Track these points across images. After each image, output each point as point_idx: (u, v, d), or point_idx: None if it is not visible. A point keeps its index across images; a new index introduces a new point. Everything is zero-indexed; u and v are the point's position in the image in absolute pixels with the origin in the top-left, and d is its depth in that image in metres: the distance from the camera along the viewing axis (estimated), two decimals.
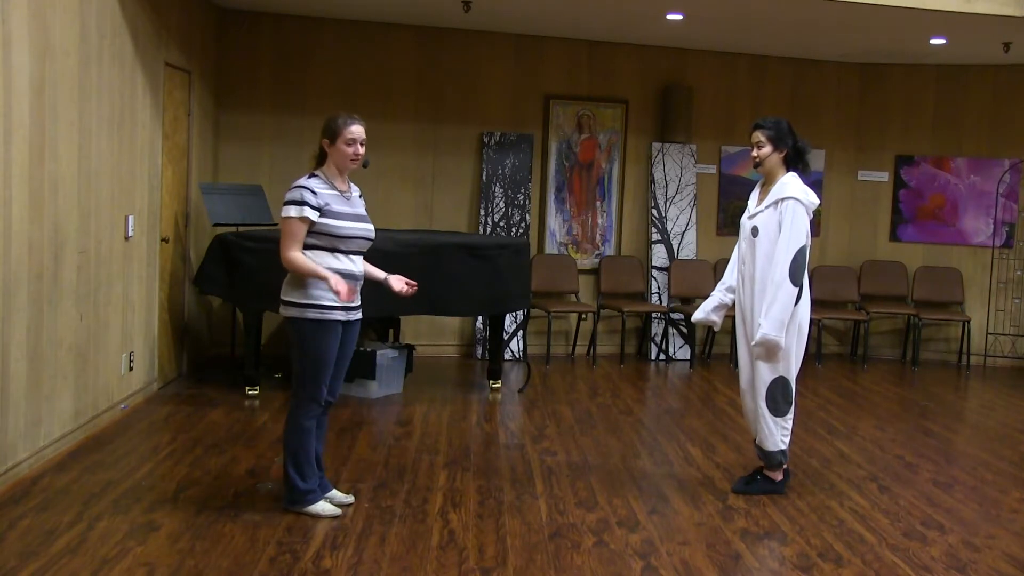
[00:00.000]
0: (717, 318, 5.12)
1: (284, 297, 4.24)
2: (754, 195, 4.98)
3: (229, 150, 8.21)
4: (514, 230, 8.68)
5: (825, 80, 9.47)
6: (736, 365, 5.12)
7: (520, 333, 8.57)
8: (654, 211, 9.04)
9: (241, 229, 6.90)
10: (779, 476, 4.98)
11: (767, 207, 4.78)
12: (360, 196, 4.45)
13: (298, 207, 4.13)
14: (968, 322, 9.19)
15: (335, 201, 4.22)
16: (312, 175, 4.26)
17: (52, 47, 4.87)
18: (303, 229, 4.14)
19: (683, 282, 8.90)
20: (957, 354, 9.39)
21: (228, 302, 7.38)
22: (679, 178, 9.08)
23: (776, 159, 4.83)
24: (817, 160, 9.28)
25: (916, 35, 7.96)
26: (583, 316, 8.89)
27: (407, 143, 8.55)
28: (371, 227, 4.35)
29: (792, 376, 4.83)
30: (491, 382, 7.31)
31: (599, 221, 9.08)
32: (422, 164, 8.63)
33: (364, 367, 6.76)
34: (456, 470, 5.16)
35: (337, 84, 8.36)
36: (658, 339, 8.96)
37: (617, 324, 8.88)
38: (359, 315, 4.37)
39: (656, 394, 7.74)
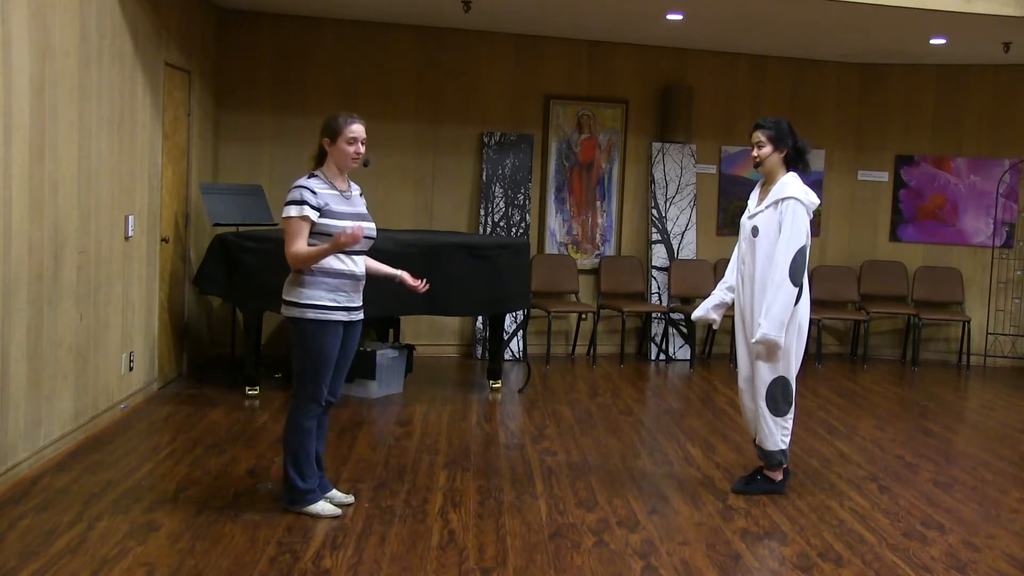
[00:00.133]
0: (716, 316, 5.12)
1: (286, 297, 4.24)
2: (754, 195, 4.98)
3: (229, 150, 8.21)
4: (514, 230, 8.68)
5: (825, 80, 9.47)
6: (736, 365, 5.12)
7: (520, 333, 8.57)
8: (654, 211, 9.04)
9: (241, 229, 6.90)
10: (779, 476, 4.98)
11: (767, 207, 4.78)
12: (361, 195, 4.45)
13: (298, 206, 4.13)
14: (968, 322, 9.19)
15: (335, 201, 4.22)
16: (312, 175, 4.26)
17: (52, 47, 4.87)
18: (305, 227, 4.14)
19: (683, 282, 8.90)
20: (957, 354, 9.39)
21: (228, 302, 7.38)
22: (679, 178, 9.08)
23: (776, 159, 4.83)
24: (817, 160, 9.28)
25: (916, 35, 7.96)
26: (583, 316, 8.89)
27: (407, 143, 8.55)
28: (372, 226, 4.34)
29: (792, 376, 4.83)
30: (491, 382, 7.31)
31: (599, 221, 9.08)
32: (422, 164, 8.63)
33: (364, 367, 6.76)
34: (456, 470, 5.16)
35: (337, 84, 8.36)
36: (658, 339, 8.96)
37: (617, 324, 8.88)
38: (361, 315, 4.37)
39: (656, 394, 7.74)
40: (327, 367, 4.27)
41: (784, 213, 4.71)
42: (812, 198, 4.78)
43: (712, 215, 9.34)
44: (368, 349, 6.83)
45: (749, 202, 4.99)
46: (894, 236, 9.62)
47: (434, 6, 7.58)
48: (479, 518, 4.42)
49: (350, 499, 4.52)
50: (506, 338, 8.40)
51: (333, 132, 4.24)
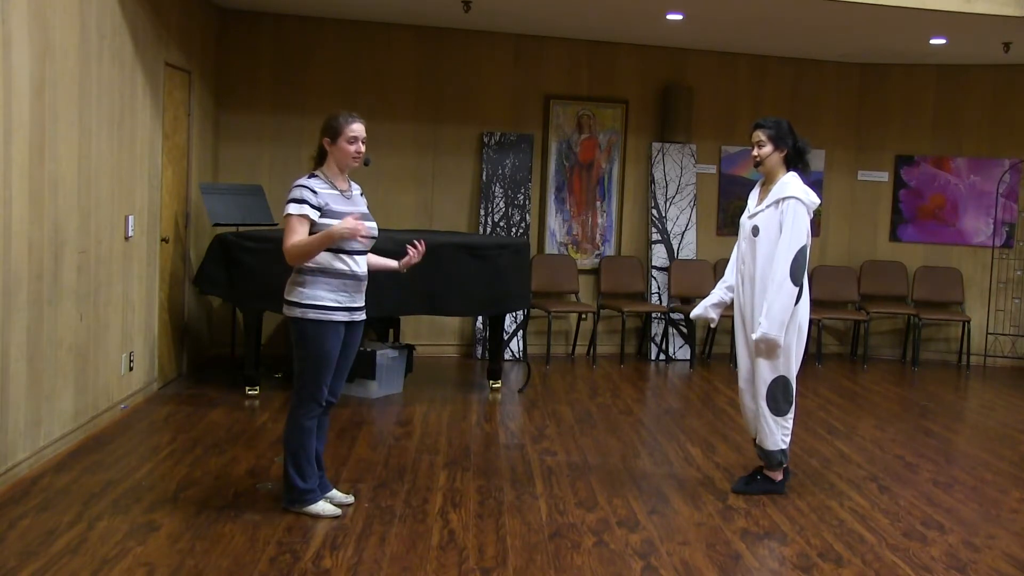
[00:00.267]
0: (715, 315, 5.12)
1: (287, 297, 4.23)
2: (754, 194, 4.99)
3: (229, 150, 8.21)
4: (514, 230, 8.68)
5: (825, 80, 9.47)
6: (736, 365, 5.13)
7: (520, 333, 8.57)
8: (654, 211, 9.04)
9: (241, 229, 6.90)
10: (779, 476, 4.98)
11: (768, 207, 4.78)
12: (361, 194, 4.45)
13: (298, 205, 4.13)
14: (968, 322, 9.19)
15: (335, 201, 4.22)
16: (312, 175, 4.26)
17: (52, 47, 4.87)
18: (304, 226, 4.14)
19: (683, 282, 8.90)
20: (957, 354, 9.39)
21: (228, 302, 7.38)
22: (679, 178, 9.08)
23: (776, 159, 4.83)
24: (817, 160, 9.28)
25: (916, 35, 7.96)
26: (583, 316, 8.89)
27: (407, 143, 8.56)
28: (374, 225, 4.33)
29: (793, 375, 4.83)
30: (491, 382, 7.31)
31: (599, 221, 9.08)
32: (422, 164, 8.63)
33: (364, 367, 6.76)
34: (456, 470, 5.16)
35: (337, 84, 8.36)
36: (658, 339, 8.96)
37: (617, 324, 8.88)
38: (362, 316, 4.36)
39: (656, 394, 7.74)
40: (328, 367, 4.26)
41: (785, 213, 4.72)
42: (812, 198, 4.78)
43: (712, 215, 9.34)
44: (368, 349, 6.83)
45: (749, 202, 4.99)
46: (894, 236, 9.62)
47: (434, 6, 7.58)
48: (479, 518, 4.42)
49: (350, 499, 4.52)
50: (506, 338, 8.40)
51: (333, 132, 4.24)
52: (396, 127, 8.48)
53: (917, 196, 9.57)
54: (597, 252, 9.09)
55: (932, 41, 8.16)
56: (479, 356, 8.56)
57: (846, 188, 9.62)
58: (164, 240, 6.78)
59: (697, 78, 9.15)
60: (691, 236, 9.10)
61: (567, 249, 9.02)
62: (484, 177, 8.65)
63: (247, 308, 6.69)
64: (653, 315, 8.94)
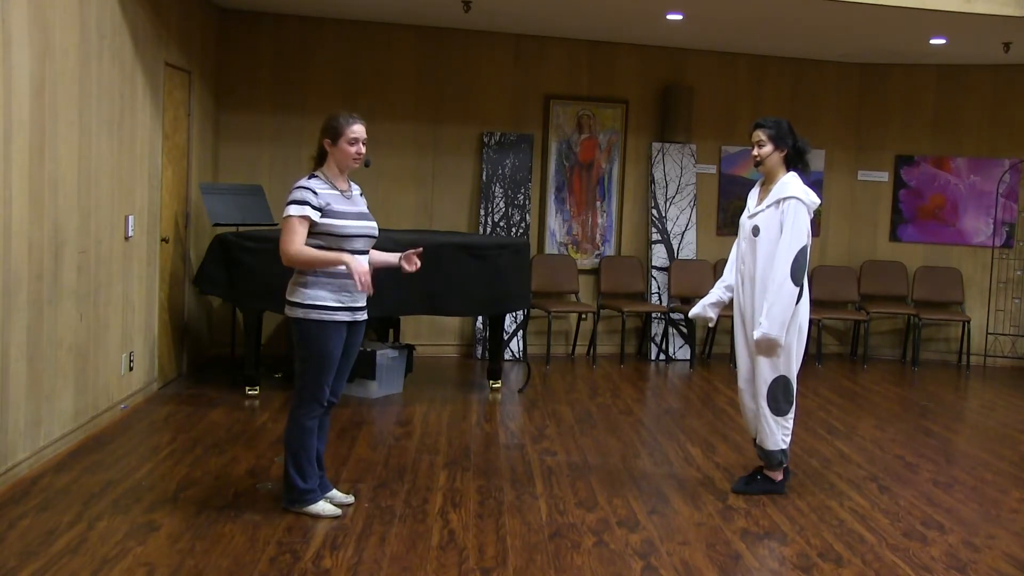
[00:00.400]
0: (713, 314, 5.13)
1: (289, 297, 4.23)
2: (753, 194, 4.99)
3: (229, 150, 8.21)
4: (514, 230, 8.68)
5: (825, 80, 9.47)
6: (736, 365, 5.12)
7: (520, 333, 8.57)
8: (654, 211, 9.04)
9: (241, 229, 6.90)
10: (779, 476, 4.98)
11: (768, 207, 4.78)
12: (361, 194, 4.45)
13: (299, 206, 4.13)
14: (968, 322, 9.19)
15: (336, 201, 4.22)
16: (313, 176, 4.26)
17: (52, 47, 4.87)
18: (304, 228, 4.14)
19: (683, 282, 8.90)
20: (957, 354, 9.39)
21: (228, 302, 7.38)
22: (679, 178, 9.08)
23: (777, 158, 4.84)
24: (817, 160, 9.28)
25: (916, 35, 7.96)
26: (583, 316, 8.89)
27: (407, 143, 8.55)
28: (374, 224, 4.35)
29: (793, 375, 4.83)
30: (491, 382, 7.31)
31: (599, 221, 9.08)
32: (422, 164, 8.63)
33: (364, 367, 6.76)
34: (456, 470, 5.16)
35: (337, 84, 8.37)
36: (658, 339, 8.96)
37: (617, 324, 8.88)
38: (364, 316, 4.36)
39: (656, 394, 7.74)
40: (330, 367, 4.26)
41: (785, 213, 4.72)
42: (813, 198, 4.78)
43: (712, 215, 9.34)
44: (368, 349, 6.83)
45: (748, 201, 4.99)
46: (894, 236, 9.62)
47: (434, 6, 7.58)
48: (479, 518, 4.42)
49: (350, 499, 4.52)
50: (506, 338, 8.40)
51: (334, 133, 4.24)
52: (396, 127, 8.48)
53: (917, 196, 9.57)
54: (597, 252, 9.09)
55: (932, 41, 8.16)
56: (479, 356, 8.56)
57: (846, 188, 9.62)
58: (164, 240, 6.78)
59: (697, 78, 9.15)
60: (691, 236, 9.10)
61: (567, 249, 9.02)
62: (484, 177, 8.65)
63: (247, 308, 6.69)
64: (653, 315, 8.94)
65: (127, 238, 6.01)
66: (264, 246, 6.31)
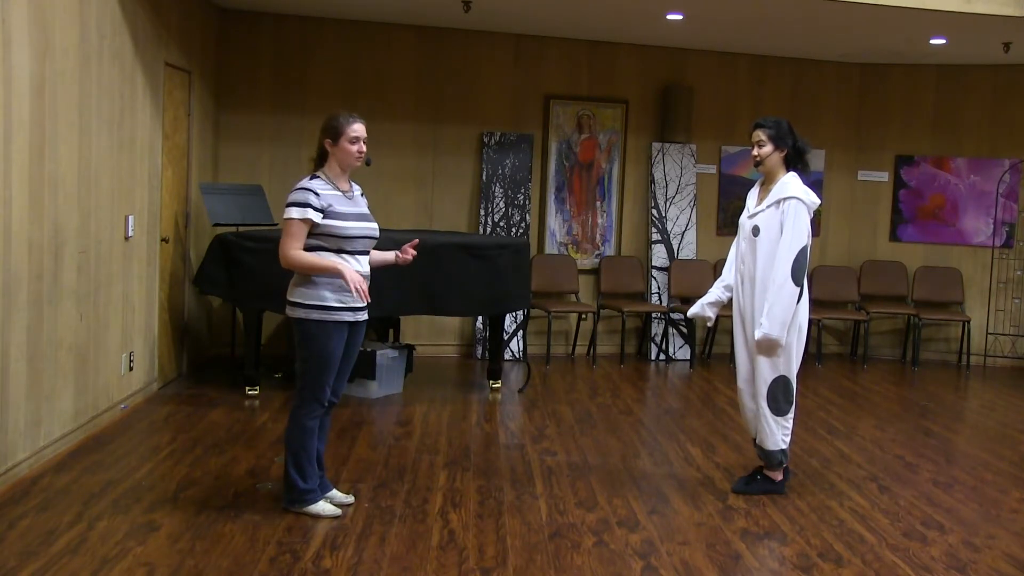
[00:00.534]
0: (712, 313, 5.13)
1: (290, 298, 4.23)
2: (753, 194, 4.99)
3: (229, 150, 8.21)
4: (514, 230, 8.68)
5: (825, 80, 9.47)
6: (735, 364, 5.12)
7: (520, 333, 8.57)
8: (654, 211, 9.04)
9: (241, 229, 6.90)
10: (779, 476, 4.98)
11: (768, 207, 4.78)
12: (362, 195, 4.45)
13: (300, 208, 4.12)
14: (968, 322, 9.19)
15: (338, 201, 4.22)
16: (314, 176, 4.26)
17: (52, 47, 4.87)
18: (304, 230, 4.14)
19: (683, 282, 8.90)
20: (957, 354, 9.39)
21: (228, 302, 7.38)
22: (679, 178, 9.08)
23: (776, 158, 4.84)
24: (817, 160, 9.28)
25: (916, 35, 7.95)
26: (583, 316, 8.89)
27: (407, 143, 8.56)
28: (375, 225, 4.35)
29: (793, 375, 4.83)
30: (491, 382, 7.31)
31: (599, 221, 9.08)
32: (422, 164, 8.63)
33: (364, 367, 6.76)
34: (456, 470, 5.16)
35: (337, 84, 8.37)
36: (658, 339, 8.96)
37: (617, 324, 8.88)
38: (365, 316, 4.36)
39: (656, 394, 7.74)
40: (331, 367, 4.27)
41: (786, 213, 4.72)
42: (813, 198, 4.78)
43: (712, 215, 9.34)
44: (368, 349, 6.83)
45: (748, 201, 4.99)
46: (894, 236, 9.62)
47: (434, 6, 7.58)
48: (479, 518, 4.42)
49: (350, 499, 4.52)
50: (506, 338, 8.40)
51: (335, 132, 4.24)
52: (396, 127, 8.48)
53: (917, 196, 9.57)
54: (597, 252, 9.09)
55: (932, 41, 8.16)
56: (479, 356, 8.56)
57: (846, 188, 9.62)
58: (164, 240, 6.78)
59: (697, 78, 9.15)
60: (691, 236, 9.10)
61: (567, 249, 9.02)
62: (484, 177, 8.65)
63: (247, 308, 6.69)
64: (653, 315, 8.94)
65: (127, 238, 6.01)
66: (264, 246, 6.31)
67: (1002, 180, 9.32)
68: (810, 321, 5.00)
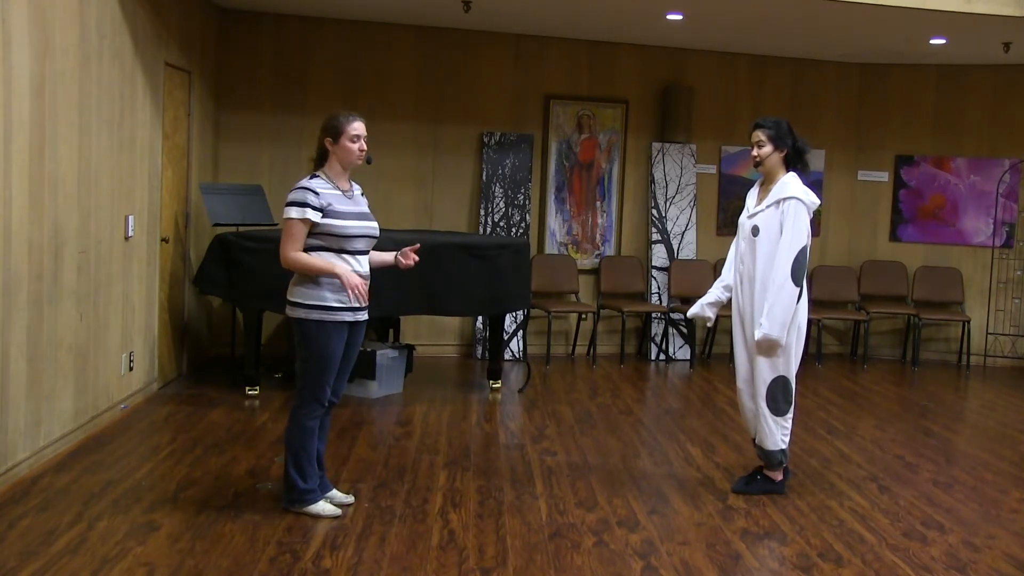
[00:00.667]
0: (711, 313, 5.13)
1: (290, 298, 4.23)
2: (752, 194, 4.99)
3: (229, 150, 8.21)
4: (514, 230, 8.68)
5: (825, 80, 9.47)
6: (735, 364, 5.12)
7: (520, 333, 8.57)
8: (654, 211, 9.04)
9: (241, 229, 6.90)
10: (779, 476, 4.98)
11: (768, 207, 4.78)
12: (362, 194, 4.45)
13: (300, 208, 4.12)
14: (968, 322, 9.19)
15: (338, 201, 4.22)
16: (314, 176, 4.26)
17: (52, 47, 4.87)
18: (304, 230, 4.14)
19: (683, 282, 8.90)
20: (957, 354, 9.39)
21: (228, 302, 7.38)
22: (679, 178, 9.08)
23: (776, 158, 4.84)
24: (817, 160, 9.28)
25: (916, 35, 7.95)
26: (583, 316, 8.89)
27: (407, 143, 8.56)
28: (375, 225, 4.35)
29: (792, 375, 4.83)
30: (491, 382, 7.31)
31: (599, 221, 9.08)
32: (422, 164, 8.63)
33: (364, 367, 6.76)
34: (456, 470, 5.16)
35: (337, 84, 8.37)
36: (658, 339, 8.96)
37: (617, 324, 8.88)
38: (365, 316, 4.36)
39: (656, 394, 7.74)
40: (331, 367, 4.27)
41: (786, 213, 4.72)
42: (812, 198, 4.78)
43: (712, 215, 9.34)
44: (368, 349, 6.83)
45: (747, 201, 4.99)
46: (894, 236, 9.62)
47: (434, 6, 7.58)
48: (479, 518, 4.42)
49: (350, 499, 4.52)
50: (506, 338, 8.40)
51: (335, 131, 4.24)
52: (396, 127, 8.48)
53: (917, 196, 9.57)
54: (597, 252, 9.09)
55: (932, 41, 8.16)
56: (479, 356, 8.56)
57: (846, 188, 9.62)
58: (164, 240, 6.78)
59: (697, 78, 9.15)
60: (691, 236, 9.10)
61: (567, 249, 9.02)
62: (484, 177, 8.65)
63: (247, 308, 6.69)
64: (653, 315, 8.94)
65: (127, 238, 6.01)
66: (264, 246, 6.31)
67: (1002, 180, 9.32)
68: (810, 321, 5.00)
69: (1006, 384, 8.54)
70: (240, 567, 3.74)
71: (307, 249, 4.17)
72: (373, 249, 4.43)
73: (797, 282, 4.68)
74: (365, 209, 4.37)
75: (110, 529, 4.08)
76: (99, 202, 5.54)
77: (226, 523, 4.20)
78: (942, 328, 9.55)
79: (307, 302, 4.18)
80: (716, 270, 8.81)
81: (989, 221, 9.39)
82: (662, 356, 8.94)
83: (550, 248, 8.96)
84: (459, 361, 8.54)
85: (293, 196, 4.16)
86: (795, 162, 4.87)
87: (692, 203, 9.11)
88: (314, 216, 4.12)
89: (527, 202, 8.73)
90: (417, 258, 4.48)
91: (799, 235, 4.70)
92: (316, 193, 4.16)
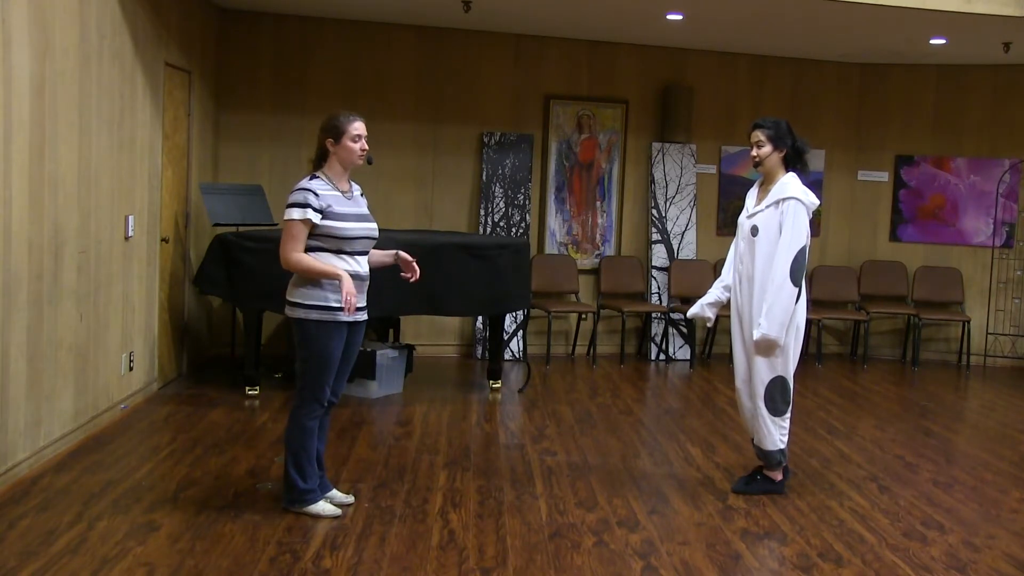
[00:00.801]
0: (711, 314, 5.14)
1: (290, 298, 4.23)
2: (752, 194, 4.99)
3: (229, 150, 8.21)
4: (514, 230, 8.68)
5: (825, 80, 9.47)
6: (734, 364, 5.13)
7: (520, 333, 8.57)
8: (654, 211, 9.04)
9: (241, 229, 6.90)
10: (779, 476, 4.98)
11: (767, 207, 4.78)
12: (362, 195, 4.45)
13: (300, 209, 4.12)
14: (968, 322, 9.19)
15: (337, 202, 4.22)
16: (314, 176, 4.26)
17: (52, 47, 4.88)
18: (304, 231, 4.14)
19: (683, 282, 8.90)
20: (957, 354, 9.39)
21: (228, 302, 7.38)
22: (679, 178, 9.08)
23: (776, 159, 4.84)
24: (817, 160, 9.28)
25: (916, 35, 7.95)
26: (583, 316, 8.89)
27: (407, 143, 8.56)
28: (375, 226, 4.35)
29: (790, 375, 4.83)
30: (491, 382, 7.31)
31: (599, 221, 9.08)
32: (422, 164, 8.63)
33: (364, 367, 6.76)
34: (456, 470, 5.16)
35: (337, 84, 8.37)
36: (658, 339, 8.96)
37: (617, 324, 8.88)
38: (365, 316, 4.37)
39: (656, 394, 7.74)
40: (331, 367, 4.27)
41: (785, 213, 4.72)
42: (812, 198, 4.79)
43: (712, 215, 9.34)
44: (368, 349, 6.83)
45: (747, 201, 4.99)
46: (894, 236, 9.62)
47: (434, 6, 7.58)
48: (479, 518, 4.42)
49: (350, 499, 4.52)
50: (506, 338, 8.40)
51: (336, 131, 4.24)
52: (396, 127, 8.48)
53: (917, 196, 9.57)
54: (597, 252, 9.09)
55: (932, 41, 8.16)
56: (479, 356, 8.56)
57: (846, 188, 9.62)
58: (164, 240, 6.78)
59: (697, 78, 9.15)
60: (691, 236, 9.10)
61: (567, 249, 9.02)
62: (484, 177, 8.65)
63: (247, 308, 6.69)
64: (653, 315, 8.94)
65: (127, 238, 6.01)
66: (264, 246, 6.31)
67: (1002, 180, 9.32)
68: (809, 321, 5.01)
69: (1006, 384, 8.54)
70: (240, 567, 3.74)
71: (307, 250, 4.17)
72: (373, 249, 4.43)
73: (796, 282, 4.68)
74: (365, 210, 4.37)
75: (110, 529, 4.08)
76: (99, 202, 5.54)
77: (226, 523, 4.20)
78: (942, 328, 9.55)
79: (307, 302, 4.18)
80: (716, 270, 8.81)
81: (989, 221, 9.39)
82: (662, 356, 8.94)
83: (550, 248, 8.96)
84: (459, 361, 8.54)
85: (294, 197, 4.16)
86: (795, 162, 4.87)
87: (692, 203, 9.11)
88: (314, 217, 4.12)
89: (527, 202, 8.73)
90: (417, 270, 4.49)
91: (798, 235, 4.70)
92: (316, 194, 4.15)
